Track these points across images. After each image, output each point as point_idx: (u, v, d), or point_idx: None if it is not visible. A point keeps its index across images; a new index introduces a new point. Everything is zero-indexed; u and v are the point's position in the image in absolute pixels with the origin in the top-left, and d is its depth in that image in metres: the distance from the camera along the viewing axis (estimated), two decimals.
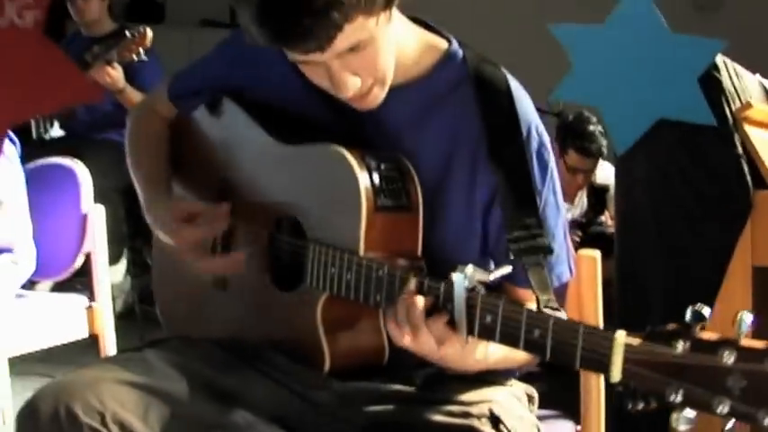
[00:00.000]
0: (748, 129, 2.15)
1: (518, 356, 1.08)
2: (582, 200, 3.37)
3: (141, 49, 3.18)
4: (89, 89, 1.08)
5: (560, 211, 1.24)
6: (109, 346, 2.33)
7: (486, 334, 0.99)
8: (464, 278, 0.99)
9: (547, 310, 1.03)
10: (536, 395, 1.29)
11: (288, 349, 1.19)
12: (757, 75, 2.82)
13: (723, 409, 0.82)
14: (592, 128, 3.16)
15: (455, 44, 1.24)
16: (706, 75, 2.11)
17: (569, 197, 3.31)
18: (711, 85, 2.10)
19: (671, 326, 0.85)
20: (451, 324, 1.00)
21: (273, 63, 1.20)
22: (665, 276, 2.03)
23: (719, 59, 2.18)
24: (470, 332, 0.99)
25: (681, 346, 0.84)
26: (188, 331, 1.31)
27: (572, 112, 3.27)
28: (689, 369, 0.83)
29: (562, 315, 1.08)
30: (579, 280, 1.42)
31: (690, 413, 0.84)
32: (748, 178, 2.05)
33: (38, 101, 0.90)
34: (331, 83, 1.11)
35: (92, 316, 2.33)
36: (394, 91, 1.18)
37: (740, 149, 2.09)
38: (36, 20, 0.83)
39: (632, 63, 2.20)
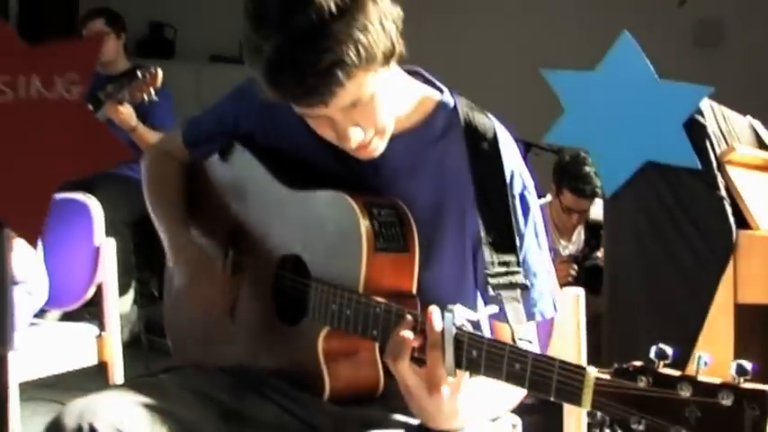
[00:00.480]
0: (731, 171, 2.25)
1: (502, 402, 1.17)
2: (579, 236, 3.44)
3: (152, 89, 3.27)
4: (123, 151, 1.18)
5: (543, 251, 1.33)
6: (117, 373, 2.43)
7: (473, 367, 1.08)
8: (453, 317, 1.08)
9: (520, 342, 1.13)
10: (519, 424, 1.38)
11: (290, 377, 1.28)
12: (748, 117, 2.92)
13: None
14: (587, 169, 3.17)
15: (447, 94, 1.34)
16: (691, 120, 2.21)
17: (566, 235, 3.39)
18: (696, 130, 2.20)
19: (636, 363, 0.95)
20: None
21: (284, 112, 1.27)
22: (651, 312, 2.12)
23: (706, 104, 2.28)
24: (458, 365, 1.08)
25: (644, 381, 0.94)
26: (198, 359, 1.41)
27: (570, 151, 3.34)
28: (650, 401, 0.93)
29: (534, 347, 1.18)
30: (564, 316, 1.51)
31: None
32: (731, 219, 2.15)
33: (80, 164, 1.00)
34: (335, 134, 1.21)
35: (101, 344, 2.42)
36: (391, 139, 1.27)
37: (723, 191, 2.19)
38: (81, 93, 0.93)
39: (621, 108, 2.30)
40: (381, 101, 1.20)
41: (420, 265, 1.25)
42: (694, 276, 2.11)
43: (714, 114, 2.35)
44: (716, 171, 2.19)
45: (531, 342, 1.19)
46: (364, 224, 1.21)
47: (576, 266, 3.15)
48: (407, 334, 1.11)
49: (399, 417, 1.25)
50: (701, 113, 2.24)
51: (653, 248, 2.16)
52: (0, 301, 0.95)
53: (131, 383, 1.25)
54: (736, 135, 2.54)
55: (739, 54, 4.88)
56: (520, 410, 1.37)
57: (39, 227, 0.95)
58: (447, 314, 1.09)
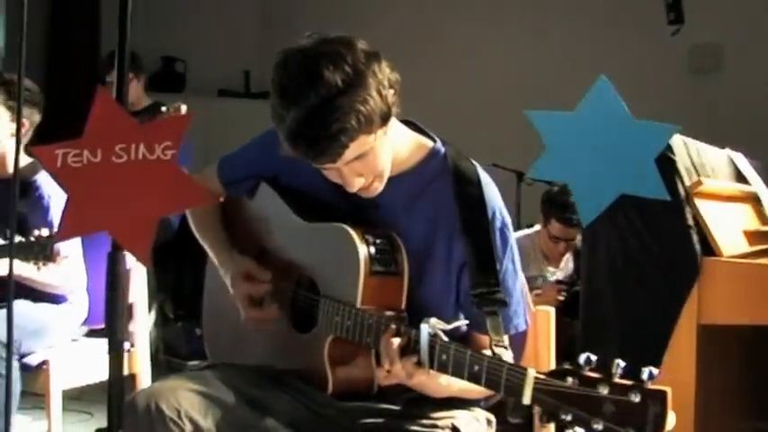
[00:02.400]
0: (699, 202, 2.48)
1: (475, 388, 1.40)
2: (568, 264, 3.63)
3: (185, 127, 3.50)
4: (205, 195, 1.54)
5: (518, 275, 1.58)
6: (145, 384, 2.68)
7: (442, 368, 1.34)
8: (428, 327, 1.35)
9: (497, 349, 1.39)
10: (494, 420, 1.63)
11: (302, 375, 1.56)
12: (726, 150, 3.16)
13: (599, 427, 1.15)
14: (573, 199, 3.36)
15: (439, 143, 1.60)
16: (662, 155, 2.44)
17: (554, 262, 3.60)
18: (666, 165, 2.43)
19: (567, 366, 1.20)
20: (418, 361, 1.35)
21: (302, 163, 1.54)
22: (621, 329, 2.35)
23: (679, 140, 2.52)
24: (431, 366, 1.35)
25: (571, 380, 1.18)
26: (229, 359, 1.68)
27: (560, 182, 3.52)
28: (576, 397, 1.17)
29: (507, 353, 1.43)
30: (536, 331, 1.75)
31: (577, 430, 1.17)
32: (696, 246, 2.38)
33: (171, 205, 1.33)
34: (342, 181, 1.48)
35: (131, 358, 2.68)
36: (391, 180, 1.54)
37: (690, 221, 2.42)
38: (172, 155, 1.26)
39: (598, 145, 2.53)
40: (380, 151, 1.47)
41: (411, 284, 1.51)
42: (661, 298, 2.33)
43: (687, 149, 2.59)
44: (684, 202, 2.41)
45: (507, 348, 1.45)
46: (362, 251, 1.48)
47: (565, 290, 3.32)
48: (392, 340, 1.38)
49: (388, 406, 1.52)
50: (671, 150, 2.48)
51: (625, 272, 2.39)
52: (114, 300, 1.26)
53: (184, 374, 1.56)
54: (710, 168, 2.78)
55: (736, 80, 4.91)
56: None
57: (146, 250, 1.27)
58: (423, 325, 1.35)
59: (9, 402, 2.23)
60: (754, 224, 2.93)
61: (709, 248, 2.40)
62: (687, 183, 2.45)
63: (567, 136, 2.53)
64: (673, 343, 2.28)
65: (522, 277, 1.62)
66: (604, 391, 1.15)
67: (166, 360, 3.87)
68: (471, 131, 4.98)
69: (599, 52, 5.01)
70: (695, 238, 2.39)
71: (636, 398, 1.13)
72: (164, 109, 3.54)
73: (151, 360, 3.87)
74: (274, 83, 1.42)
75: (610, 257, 2.43)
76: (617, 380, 1.16)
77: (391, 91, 1.44)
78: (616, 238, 2.43)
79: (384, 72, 1.43)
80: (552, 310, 1.79)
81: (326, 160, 1.43)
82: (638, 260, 2.39)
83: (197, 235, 1.77)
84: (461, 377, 1.32)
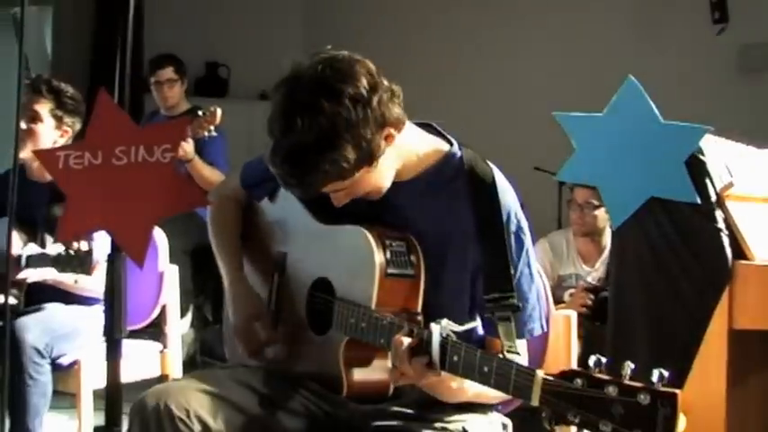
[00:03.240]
0: (731, 205, 2.44)
1: (490, 392, 1.39)
2: (603, 266, 3.57)
3: (212, 127, 3.58)
4: (202, 198, 1.58)
5: (534, 279, 1.58)
6: None
7: (453, 369, 1.34)
8: (440, 328, 1.35)
9: (509, 354, 1.39)
10: (510, 425, 1.62)
11: (317, 377, 1.57)
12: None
13: (606, 429, 1.14)
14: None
15: (455, 146, 1.60)
16: (692, 157, 2.41)
17: (590, 261, 3.55)
18: (696, 167, 2.38)
19: (575, 368, 1.19)
20: (429, 362, 1.35)
21: None
22: (651, 335, 2.31)
23: (713, 141, 2.48)
24: (442, 367, 1.35)
25: (580, 382, 1.17)
26: (247, 361, 1.70)
27: None
28: (584, 399, 1.16)
29: (519, 359, 1.43)
30: (556, 335, 1.74)
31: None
32: (727, 251, 2.33)
33: (170, 207, 1.37)
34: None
35: (164, 359, 2.73)
36: (406, 183, 1.55)
37: (722, 224, 2.38)
38: (171, 158, 1.30)
39: (627, 147, 2.50)
40: (380, 169, 1.48)
41: (427, 286, 1.51)
42: (691, 303, 2.29)
43: (723, 150, 2.54)
44: (714, 205, 2.36)
45: (519, 354, 1.44)
46: (377, 253, 1.49)
47: (592, 297, 3.27)
48: (402, 341, 1.38)
49: (401, 409, 1.52)
50: (702, 151, 2.44)
51: (654, 276, 2.36)
52: (113, 301, 1.31)
53: (195, 375, 1.59)
54: (750, 170, 2.72)
55: None
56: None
57: (144, 251, 1.30)
58: (434, 326, 1.35)
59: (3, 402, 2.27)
60: None
61: (742, 252, 2.35)
62: (719, 185, 2.41)
63: (596, 138, 2.53)
64: (703, 349, 2.24)
65: (540, 281, 1.61)
66: (613, 392, 1.14)
67: (203, 361, 3.94)
68: (512, 135, 4.97)
69: (647, 50, 4.93)
70: (726, 241, 2.34)
71: (645, 400, 1.12)
72: (199, 112, 3.60)
73: (188, 361, 3.97)
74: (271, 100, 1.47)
75: (638, 261, 2.40)
76: (626, 381, 1.14)
77: (384, 131, 1.45)
78: (645, 242, 2.40)
79: (375, 111, 1.43)
80: (573, 315, 1.78)
81: (305, 195, 1.50)
82: (668, 264, 2.36)
83: (213, 248, 1.80)
84: (472, 378, 1.32)
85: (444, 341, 1.34)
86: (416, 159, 1.57)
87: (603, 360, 1.17)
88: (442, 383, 1.39)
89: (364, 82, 1.42)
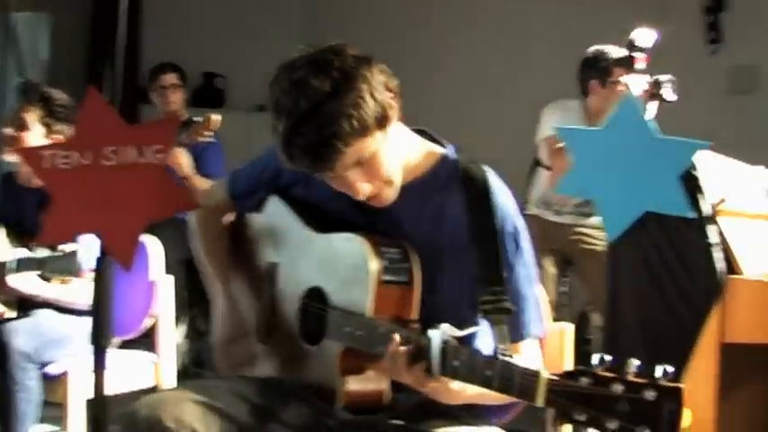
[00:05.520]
0: (723, 220, 2.46)
1: (490, 393, 1.37)
2: None
3: (208, 132, 3.49)
4: (191, 202, 1.53)
5: (532, 282, 1.56)
6: None
7: (454, 374, 1.32)
8: (439, 333, 1.34)
9: (502, 358, 1.36)
10: None
11: (312, 387, 1.55)
12: (761, 167, 3.12)
13: (613, 426, 1.14)
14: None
15: (450, 150, 1.59)
16: (686, 173, 2.43)
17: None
18: (690, 182, 2.42)
19: (580, 367, 1.18)
20: (428, 368, 1.34)
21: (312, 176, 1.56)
22: (643, 346, 2.33)
23: (708, 156, 2.51)
24: (443, 372, 1.33)
25: (585, 380, 1.17)
26: (238, 371, 1.69)
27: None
28: (590, 397, 1.16)
29: (515, 360, 1.41)
30: (551, 348, 1.72)
31: (591, 431, 1.16)
32: (718, 265, 2.35)
33: (161, 210, 1.33)
34: (348, 189, 1.48)
35: (156, 370, 2.71)
36: (402, 188, 1.53)
37: (714, 239, 2.40)
38: (163, 159, 1.27)
39: (624, 162, 2.52)
40: (384, 156, 1.46)
41: (424, 292, 1.50)
42: (683, 316, 2.31)
43: (714, 166, 2.57)
44: (707, 220, 2.39)
45: (511, 356, 1.42)
46: (372, 259, 1.48)
47: None
48: (400, 349, 1.37)
49: (393, 422, 1.51)
50: (695, 167, 2.46)
51: (647, 288, 2.38)
52: (102, 304, 1.28)
53: (188, 385, 1.57)
54: (742, 186, 2.74)
55: None
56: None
57: (131, 256, 1.27)
58: (433, 331, 1.34)
59: None
60: None
61: (733, 267, 2.37)
62: (711, 201, 2.43)
63: (594, 152, 2.54)
64: (694, 362, 2.26)
65: (538, 284, 1.60)
66: (618, 389, 1.14)
67: (196, 373, 3.92)
68: (499, 137, 4.98)
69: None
70: (718, 256, 2.36)
71: (650, 395, 1.12)
72: (195, 118, 3.57)
73: (182, 373, 3.95)
74: (269, 100, 1.43)
75: (632, 273, 2.42)
76: (631, 378, 1.15)
77: (388, 94, 1.43)
78: (639, 255, 2.42)
79: (377, 76, 1.42)
80: (569, 327, 1.78)
81: (323, 167, 1.42)
82: (661, 278, 2.38)
83: (198, 260, 1.79)
84: (473, 383, 1.31)
85: (444, 346, 1.33)
86: (412, 163, 1.56)
87: (607, 358, 1.17)
88: (443, 387, 1.37)
89: (357, 52, 1.44)
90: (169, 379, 2.74)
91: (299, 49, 1.45)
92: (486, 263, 1.48)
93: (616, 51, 3.41)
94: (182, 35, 5.72)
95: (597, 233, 3.49)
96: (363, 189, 1.47)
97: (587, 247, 3.57)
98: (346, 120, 1.37)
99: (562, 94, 3.69)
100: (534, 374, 1.23)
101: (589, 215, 3.55)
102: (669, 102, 2.94)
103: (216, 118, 3.49)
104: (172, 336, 2.79)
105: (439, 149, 1.59)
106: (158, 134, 1.29)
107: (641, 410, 1.12)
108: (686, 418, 1.11)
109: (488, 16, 5.50)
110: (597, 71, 3.46)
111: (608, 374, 1.16)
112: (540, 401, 1.21)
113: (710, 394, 2.24)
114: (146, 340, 2.84)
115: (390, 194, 1.51)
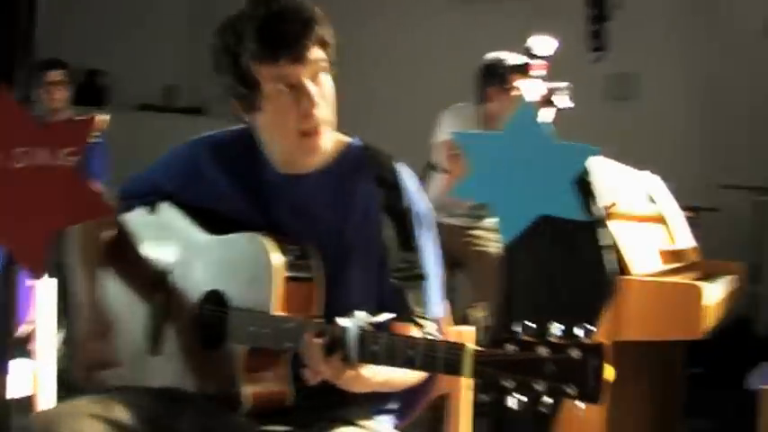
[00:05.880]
0: (613, 223, 2.54)
1: (396, 379, 1.40)
2: None
3: (94, 132, 3.42)
4: (106, 207, 1.44)
5: (437, 263, 1.58)
6: (48, 405, 2.56)
7: (373, 359, 1.31)
8: (355, 320, 1.32)
9: (421, 321, 1.43)
10: None
11: (212, 394, 1.49)
12: (646, 171, 3.25)
13: (540, 388, 1.16)
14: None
15: (357, 139, 1.61)
16: (579, 177, 2.50)
17: None
18: (583, 186, 2.49)
19: (505, 335, 1.19)
20: (346, 358, 1.32)
21: (206, 172, 1.56)
22: None
23: (598, 162, 2.59)
24: (362, 359, 1.31)
25: (512, 348, 1.18)
26: (131, 381, 1.60)
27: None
28: (517, 363, 1.18)
29: (431, 326, 1.45)
30: None
31: (520, 396, 1.17)
32: (610, 266, 2.43)
33: (73, 216, 1.24)
34: (300, 110, 1.46)
35: (35, 379, 2.55)
36: (305, 177, 1.53)
37: (605, 241, 2.48)
38: (76, 161, 1.18)
39: (519, 167, 2.57)
40: (331, 91, 1.49)
41: (331, 284, 1.49)
42: (578, 318, 2.36)
43: (605, 171, 2.65)
44: (598, 223, 2.47)
45: (430, 321, 1.47)
46: (274, 257, 1.45)
47: None
48: (314, 340, 1.34)
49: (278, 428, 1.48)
50: (588, 172, 2.54)
51: (541, 290, 2.43)
52: (3, 324, 1.17)
53: (86, 399, 1.49)
54: (627, 190, 2.85)
55: (650, 107, 5.05)
56: None
57: (41, 263, 1.18)
58: (347, 319, 1.32)
59: None
60: (667, 244, 3.01)
61: (623, 268, 2.46)
62: (602, 204, 2.51)
63: (491, 157, 2.58)
64: None
65: (440, 265, 1.61)
66: (544, 352, 1.16)
67: (67, 381, 3.74)
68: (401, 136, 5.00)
69: None
70: (609, 257, 2.44)
71: (575, 354, 1.15)
72: (79, 118, 3.44)
73: (59, 380, 3.76)
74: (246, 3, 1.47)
75: (526, 276, 2.45)
76: (554, 340, 1.17)
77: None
78: (533, 258, 2.46)
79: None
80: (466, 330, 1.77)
81: (296, 53, 1.44)
82: (555, 280, 2.43)
83: (72, 267, 1.71)
84: (394, 365, 1.30)
85: (362, 333, 1.31)
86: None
87: (530, 324, 1.19)
88: (360, 375, 1.35)
89: None
90: (48, 387, 2.58)
91: None
92: (399, 235, 1.51)
93: (513, 58, 3.45)
94: (65, 31, 5.50)
95: (489, 235, 3.54)
96: (319, 110, 1.47)
97: (479, 249, 3.62)
98: (322, 22, 1.46)
99: (459, 100, 3.74)
100: (459, 347, 1.23)
101: (481, 217, 3.59)
102: (563, 109, 3.01)
103: (102, 118, 3.36)
104: (51, 342, 2.63)
105: (345, 137, 1.61)
106: (71, 135, 1.21)
107: (568, 369, 1.15)
108: (609, 372, 1.15)
109: (387, 21, 5.52)
110: (494, 78, 3.52)
111: (532, 339, 1.18)
112: (468, 373, 1.21)
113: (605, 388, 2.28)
114: (22, 347, 2.68)
115: (323, 139, 1.51)
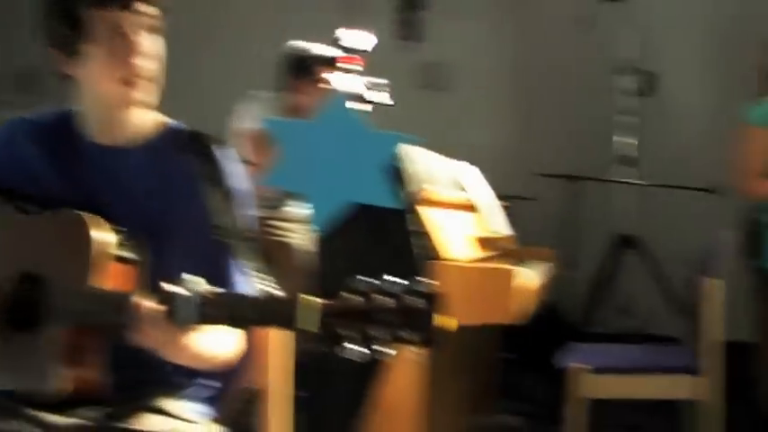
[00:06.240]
0: (423, 209, 2.62)
1: (210, 354, 1.43)
2: None
3: None
4: None
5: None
6: None
7: (211, 319, 1.32)
8: (185, 283, 1.32)
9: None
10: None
11: (24, 379, 1.43)
12: (463, 162, 3.36)
13: (388, 336, 1.22)
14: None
15: (173, 121, 1.61)
16: (390, 165, 2.55)
17: None
18: (395, 174, 2.55)
19: (350, 287, 1.26)
20: (176, 318, 1.31)
21: (21, 153, 1.53)
22: None
23: (411, 149, 2.66)
24: (199, 321, 1.31)
25: (359, 300, 1.25)
26: None
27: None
28: (365, 314, 1.24)
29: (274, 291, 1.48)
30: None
31: (357, 346, 1.22)
32: (421, 251, 2.50)
33: None
34: (124, 53, 1.47)
35: None
36: (123, 151, 1.52)
37: (416, 227, 2.55)
38: None
39: (332, 155, 2.59)
40: (162, 58, 1.51)
41: (154, 264, 1.47)
42: None
43: (415, 158, 2.72)
44: (409, 209, 2.54)
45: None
46: (94, 233, 1.42)
47: None
48: (143, 304, 1.33)
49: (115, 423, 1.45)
50: (401, 159, 2.59)
51: (354, 273, 2.47)
52: None
53: None
54: (438, 178, 2.94)
55: (465, 98, 5.10)
56: None
57: None
58: (181, 283, 1.32)
59: None
60: (480, 231, 3.13)
61: (435, 253, 2.53)
62: (412, 191, 2.57)
63: (303, 145, 2.58)
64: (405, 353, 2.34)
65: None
66: (390, 303, 1.24)
67: None
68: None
69: None
70: (419, 243, 2.50)
71: (419, 303, 1.24)
72: None
73: None
74: None
75: (341, 263, 2.48)
76: (398, 293, 1.25)
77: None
78: (348, 246, 2.49)
79: None
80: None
81: (124, 2, 1.45)
82: (370, 266, 2.45)
83: None
84: (235, 325, 1.34)
85: (193, 295, 1.31)
86: (137, 125, 1.55)
87: (374, 281, 1.27)
88: (187, 341, 1.35)
89: None
90: None
91: None
92: (221, 200, 1.54)
93: (320, 49, 3.43)
94: None
95: (288, 225, 3.51)
96: (146, 58, 1.48)
97: (276, 239, 3.59)
98: None
99: (252, 88, 3.68)
100: (310, 301, 1.26)
101: (278, 207, 3.55)
102: (378, 104, 3.03)
103: None
104: None
105: (166, 118, 1.61)
106: None
107: (412, 316, 1.23)
108: (452, 323, 1.25)
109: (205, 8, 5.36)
110: (300, 69, 3.48)
111: (377, 295, 1.25)
112: (314, 327, 1.24)
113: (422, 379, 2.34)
114: None
115: (144, 93, 1.51)
